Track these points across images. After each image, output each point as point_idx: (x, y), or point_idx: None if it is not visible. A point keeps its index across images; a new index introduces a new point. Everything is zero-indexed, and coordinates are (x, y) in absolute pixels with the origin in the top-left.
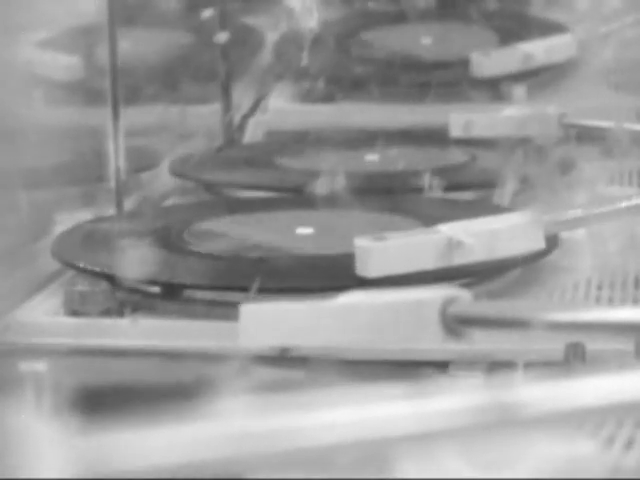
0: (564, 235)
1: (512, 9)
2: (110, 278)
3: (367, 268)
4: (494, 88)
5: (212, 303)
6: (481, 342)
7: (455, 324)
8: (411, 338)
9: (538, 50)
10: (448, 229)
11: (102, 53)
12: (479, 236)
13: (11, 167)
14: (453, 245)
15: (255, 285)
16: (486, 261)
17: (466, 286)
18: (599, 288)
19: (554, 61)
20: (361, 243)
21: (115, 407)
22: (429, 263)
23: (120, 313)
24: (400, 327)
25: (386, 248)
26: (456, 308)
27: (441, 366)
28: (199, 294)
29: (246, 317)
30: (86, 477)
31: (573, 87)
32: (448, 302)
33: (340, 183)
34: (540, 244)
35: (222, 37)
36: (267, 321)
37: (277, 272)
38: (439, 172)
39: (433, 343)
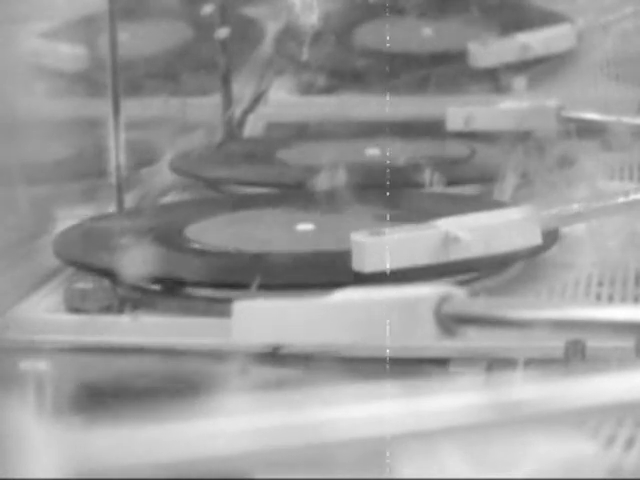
0: (564, 231)
1: (512, 1)
2: (111, 275)
3: (363, 263)
4: (494, 80)
5: (212, 300)
6: (481, 339)
7: (450, 322)
8: (405, 336)
9: (536, 40)
10: (444, 224)
11: (105, 44)
12: (475, 231)
13: (11, 162)
14: (449, 240)
15: (256, 282)
16: (486, 257)
17: (466, 282)
18: (599, 285)
19: (553, 52)
20: (357, 238)
21: (115, 404)
22: (425, 258)
23: (120, 310)
24: (394, 325)
25: (382, 243)
26: (451, 306)
27: (441, 364)
28: (199, 291)
29: (239, 314)
30: (87, 475)
31: (573, 78)
32: (443, 300)
33: (340, 179)
34: (537, 239)
35: (222, 33)
36: (260, 318)
37: (277, 269)
38: (439, 166)
39: (427, 341)
